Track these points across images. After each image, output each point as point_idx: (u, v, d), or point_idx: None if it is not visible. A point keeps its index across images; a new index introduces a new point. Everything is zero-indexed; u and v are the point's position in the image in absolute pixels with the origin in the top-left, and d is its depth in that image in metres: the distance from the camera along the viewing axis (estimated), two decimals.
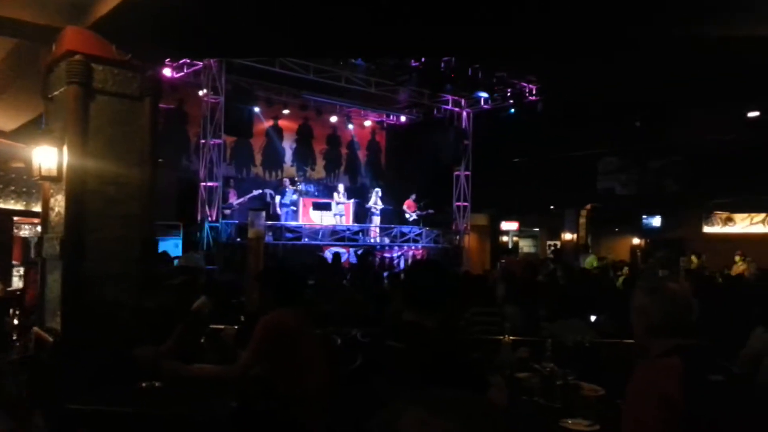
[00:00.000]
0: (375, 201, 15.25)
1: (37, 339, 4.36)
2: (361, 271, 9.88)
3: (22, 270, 8.45)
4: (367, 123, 17.39)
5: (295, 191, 13.98)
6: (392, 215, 15.81)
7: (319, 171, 16.82)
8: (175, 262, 8.08)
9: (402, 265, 14.53)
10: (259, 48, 7.02)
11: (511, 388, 2.99)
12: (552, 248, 20.39)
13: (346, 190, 15.59)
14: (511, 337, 3.71)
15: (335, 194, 15.03)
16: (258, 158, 15.45)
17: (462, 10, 3.89)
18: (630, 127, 15.98)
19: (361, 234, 14.74)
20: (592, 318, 5.54)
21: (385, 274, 9.97)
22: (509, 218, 20.91)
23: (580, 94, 13.78)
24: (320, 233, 13.66)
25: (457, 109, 16.32)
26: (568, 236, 20.00)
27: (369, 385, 2.27)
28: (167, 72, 11.95)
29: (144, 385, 3.03)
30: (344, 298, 6.17)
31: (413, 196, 15.74)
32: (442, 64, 12.82)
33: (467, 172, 16.41)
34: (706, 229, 18.24)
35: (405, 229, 15.26)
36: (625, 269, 11.17)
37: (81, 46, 4.31)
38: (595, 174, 18.39)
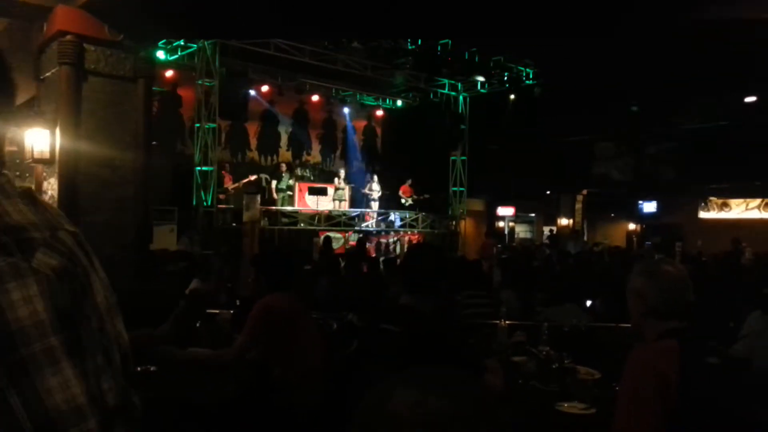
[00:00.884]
0: (371, 187, 15.22)
1: None
2: (357, 256, 9.87)
3: None
4: (363, 107, 17.29)
5: (290, 176, 13.92)
6: (389, 200, 15.79)
7: (315, 155, 16.74)
8: None
9: (398, 250, 14.54)
10: (253, 29, 6.94)
11: (507, 372, 2.99)
12: (548, 233, 20.44)
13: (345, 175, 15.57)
14: (507, 322, 3.72)
15: (336, 179, 14.97)
16: (253, 143, 15.35)
17: None
18: (626, 112, 15.96)
19: (357, 219, 14.72)
20: (588, 302, 5.57)
21: (381, 258, 9.97)
22: (505, 204, 20.93)
23: (577, 79, 13.70)
24: (316, 218, 13.63)
25: (453, 93, 16.23)
26: (564, 222, 20.05)
27: (364, 368, 2.27)
28: (161, 54, 11.81)
29: (139, 369, 3.02)
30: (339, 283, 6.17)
31: (409, 181, 15.70)
32: (439, 48, 12.71)
33: (463, 157, 16.36)
34: (702, 214, 18.31)
35: (401, 214, 15.24)
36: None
37: (72, 26, 4.24)
38: (592, 159, 18.39)
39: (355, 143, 17.43)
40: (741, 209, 17.74)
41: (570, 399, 2.73)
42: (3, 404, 0.78)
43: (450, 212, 16.44)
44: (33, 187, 4.59)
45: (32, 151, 4.23)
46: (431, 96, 16.55)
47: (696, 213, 18.34)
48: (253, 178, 12.94)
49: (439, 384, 0.69)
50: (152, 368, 3.05)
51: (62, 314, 0.85)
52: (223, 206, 12.26)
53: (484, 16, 4.83)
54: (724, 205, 17.99)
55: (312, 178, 16.10)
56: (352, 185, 15.36)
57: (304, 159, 16.41)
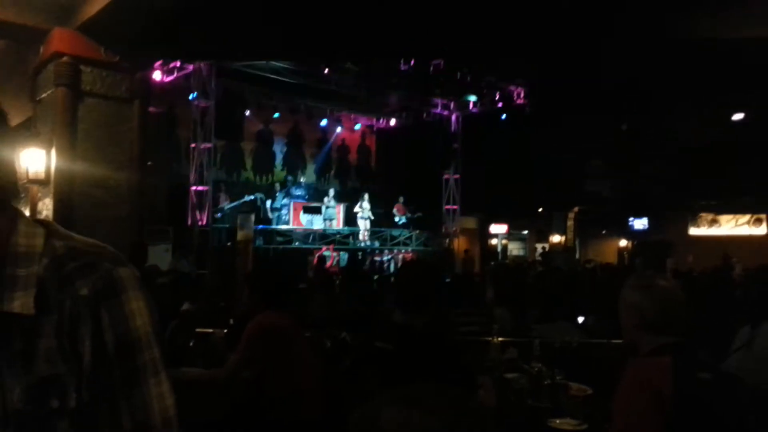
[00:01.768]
0: (361, 205, 15.26)
1: None
2: (351, 274, 9.87)
3: None
4: (357, 127, 17.41)
5: (285, 195, 13.97)
6: (382, 218, 15.83)
7: (310, 175, 16.80)
8: None
9: (392, 268, 14.55)
10: (248, 52, 7.04)
11: (499, 389, 3.01)
12: (541, 251, 20.49)
13: (337, 193, 15.60)
14: (499, 338, 3.74)
15: (325, 198, 15.01)
16: (248, 162, 15.41)
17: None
18: (617, 130, 16.14)
19: (351, 237, 14.74)
20: (580, 319, 5.59)
21: (375, 277, 9.98)
22: (498, 221, 21.01)
23: (568, 98, 13.89)
24: (311, 237, 13.64)
25: (446, 112, 16.37)
26: (556, 239, 20.12)
27: (358, 386, 2.28)
28: (157, 76, 11.90)
29: None
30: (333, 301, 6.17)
31: (402, 200, 15.77)
32: (431, 68, 12.87)
33: (456, 176, 16.46)
34: (692, 230, 18.44)
35: (395, 232, 15.28)
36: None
37: (69, 48, 4.30)
38: (583, 177, 18.53)
39: (349, 162, 17.51)
40: (731, 225, 17.89)
41: (562, 415, 2.74)
42: (112, 407, 0.83)
43: (443, 230, 16.50)
44: (29, 207, 4.61)
45: (27, 171, 4.26)
46: (424, 115, 16.70)
47: (686, 229, 18.47)
48: (247, 198, 13.00)
49: (427, 401, 0.70)
50: None
51: (156, 325, 0.90)
52: (218, 225, 12.28)
53: (475, 36, 4.94)
54: (714, 222, 18.14)
55: (306, 197, 16.15)
56: (345, 204, 15.41)
57: (298, 178, 16.47)
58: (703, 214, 18.22)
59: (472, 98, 15.23)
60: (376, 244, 15.05)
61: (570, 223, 19.89)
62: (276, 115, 15.30)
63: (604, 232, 20.63)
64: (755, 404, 2.94)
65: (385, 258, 14.96)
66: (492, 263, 14.79)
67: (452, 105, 16.21)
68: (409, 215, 15.68)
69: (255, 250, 11.07)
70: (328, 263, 13.30)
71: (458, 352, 2.28)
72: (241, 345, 3.07)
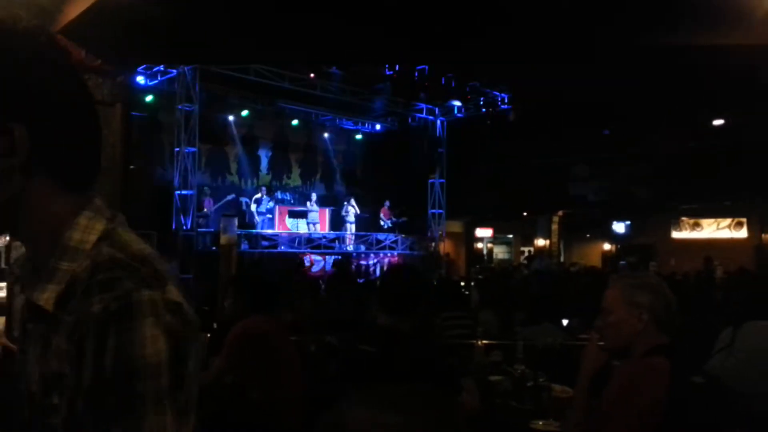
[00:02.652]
0: (346, 210, 15.29)
1: (4, 349, 4.25)
2: (337, 278, 9.87)
3: None
4: (342, 131, 17.42)
5: (270, 199, 13.94)
6: (368, 223, 15.85)
7: (295, 179, 16.77)
8: None
9: (378, 272, 14.57)
10: (232, 55, 7.02)
11: (483, 391, 3.03)
12: (526, 254, 20.63)
13: (320, 198, 15.63)
14: (483, 341, 3.76)
15: (308, 203, 15.05)
16: (233, 166, 15.35)
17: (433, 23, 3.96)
18: (599, 135, 16.33)
19: (337, 242, 14.74)
20: (564, 322, 5.63)
21: (361, 281, 9.98)
22: (483, 225, 21.12)
23: (552, 103, 14.03)
24: (296, 241, 13.61)
25: (431, 117, 16.46)
26: (541, 242, 20.27)
27: (343, 390, 2.28)
28: (141, 80, 11.82)
29: None
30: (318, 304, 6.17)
31: (388, 204, 15.81)
32: (416, 73, 12.93)
33: (442, 180, 16.53)
34: (675, 234, 18.67)
35: (381, 236, 15.31)
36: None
37: None
38: (567, 181, 18.71)
39: (334, 167, 17.52)
40: (712, 229, 18.14)
41: (545, 417, 2.76)
42: (88, 426, 0.79)
43: (429, 234, 16.56)
44: None
45: None
46: (409, 120, 16.77)
47: (669, 233, 18.70)
48: (230, 198, 12.96)
49: (396, 401, 0.71)
50: None
51: (178, 353, 0.83)
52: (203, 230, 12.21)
53: (460, 42, 4.97)
54: (696, 225, 18.38)
55: (292, 201, 16.12)
56: (331, 208, 15.42)
57: (284, 182, 16.43)
58: (686, 218, 18.46)
59: (457, 103, 15.33)
60: (362, 248, 15.06)
61: (554, 226, 20.05)
62: (260, 119, 15.28)
63: (588, 235, 20.82)
64: (741, 409, 2.99)
65: (370, 262, 14.96)
66: (477, 267, 14.85)
67: (437, 110, 16.29)
68: (394, 219, 15.71)
69: (240, 254, 11.02)
70: (318, 269, 13.30)
71: (442, 355, 2.28)
72: (225, 350, 3.05)
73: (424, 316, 2.35)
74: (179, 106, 12.05)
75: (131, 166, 4.65)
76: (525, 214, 20.29)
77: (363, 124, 17.40)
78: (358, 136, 17.69)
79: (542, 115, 14.93)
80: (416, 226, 16.41)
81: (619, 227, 19.66)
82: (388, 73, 13.01)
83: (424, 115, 16.32)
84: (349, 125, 17.23)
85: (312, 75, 13.27)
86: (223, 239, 8.77)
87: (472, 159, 16.78)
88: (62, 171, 0.87)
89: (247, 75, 12.45)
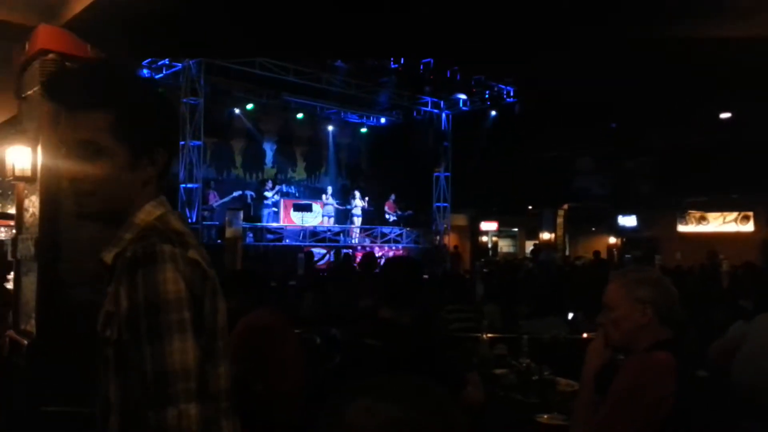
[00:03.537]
0: (355, 203, 15.31)
1: (12, 342, 4.29)
2: (343, 271, 9.88)
3: None
4: (348, 124, 17.40)
5: (275, 192, 13.96)
6: (373, 216, 15.85)
7: (300, 172, 16.78)
8: None
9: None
10: (237, 48, 7.01)
11: (488, 385, 3.03)
12: (532, 247, 20.61)
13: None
14: (488, 335, 3.76)
15: (323, 196, 15.11)
16: (238, 160, 15.36)
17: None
18: (606, 128, 16.24)
19: (342, 235, 14.75)
20: (570, 315, 5.63)
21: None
22: (488, 218, 21.08)
23: (557, 96, 13.95)
24: (301, 234, 13.63)
25: (436, 110, 16.41)
26: (546, 236, 20.22)
27: (347, 383, 2.28)
28: (146, 73, 11.83)
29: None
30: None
31: (393, 197, 15.80)
32: (421, 66, 12.89)
33: (447, 173, 16.50)
34: (681, 228, 18.58)
35: (386, 229, 15.31)
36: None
37: (55, 45, 4.25)
38: (572, 174, 18.63)
39: (339, 160, 17.52)
40: (718, 222, 18.04)
41: (550, 410, 2.76)
42: (138, 351, 1.04)
43: (434, 227, 16.56)
44: (15, 204, 4.57)
45: (14, 168, 4.22)
46: (414, 113, 16.73)
47: (674, 226, 18.61)
48: (236, 194, 12.98)
49: (394, 392, 0.71)
50: None
51: (195, 297, 1.09)
52: (208, 223, 12.25)
53: (461, 36, 4.95)
54: (702, 219, 18.28)
55: (297, 194, 16.12)
56: (337, 202, 15.44)
57: (289, 176, 16.43)
58: (692, 212, 18.36)
59: (462, 97, 15.28)
60: (367, 241, 15.07)
61: (560, 220, 19.98)
62: (265, 112, 15.28)
63: (593, 229, 20.75)
64: (740, 397, 2.98)
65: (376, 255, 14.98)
66: (482, 260, 14.83)
67: (442, 103, 16.24)
68: (400, 213, 15.71)
69: (245, 247, 11.05)
70: (324, 262, 13.32)
71: (446, 347, 2.28)
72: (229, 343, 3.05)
73: (426, 308, 2.34)
74: (184, 100, 12.05)
75: None
76: (530, 207, 20.24)
77: (368, 117, 17.36)
78: (363, 130, 17.66)
79: (548, 109, 14.86)
80: (421, 219, 16.40)
81: (624, 221, 19.58)
82: (393, 66, 12.98)
83: (429, 108, 16.28)
84: (354, 118, 17.20)
85: (316, 69, 13.24)
86: (229, 232, 8.79)
87: (477, 152, 16.73)
88: (162, 178, 1.24)
89: (252, 68, 12.44)
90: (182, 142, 12.18)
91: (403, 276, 2.32)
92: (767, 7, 4.20)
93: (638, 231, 19.17)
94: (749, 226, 17.51)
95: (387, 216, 15.70)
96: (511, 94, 14.69)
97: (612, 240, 20.25)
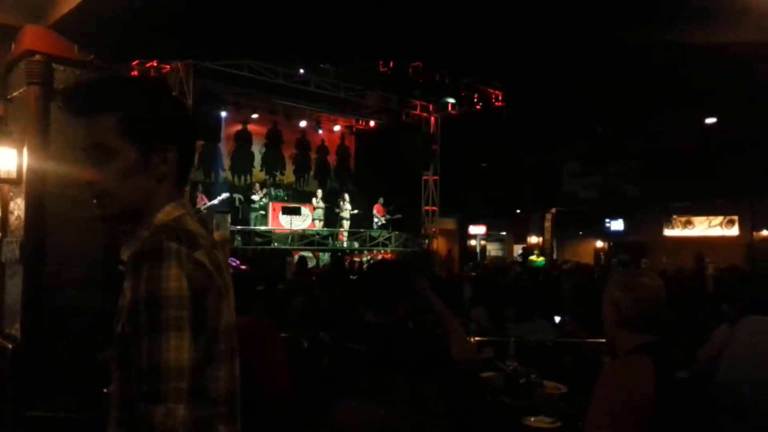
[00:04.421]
0: (343, 206, 15.30)
1: None
2: (332, 275, 9.86)
3: None
4: (336, 128, 17.39)
5: (264, 196, 13.91)
6: (362, 219, 15.84)
7: (289, 175, 16.74)
8: None
9: None
10: (226, 50, 6.99)
11: (476, 388, 3.03)
12: (521, 251, 20.70)
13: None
14: (476, 338, 3.77)
15: (313, 199, 15.07)
16: (227, 163, 15.30)
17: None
18: (592, 133, 16.38)
19: (330, 238, 14.73)
20: (557, 319, 5.66)
21: (354, 277, 9.97)
22: (477, 222, 21.15)
23: (545, 100, 14.06)
24: (290, 238, 13.59)
25: (425, 114, 16.44)
26: (534, 239, 20.33)
27: (334, 387, 2.27)
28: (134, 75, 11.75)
29: (107, 390, 2.98)
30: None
31: (381, 201, 15.80)
32: (410, 70, 12.92)
33: (435, 177, 16.54)
34: (667, 232, 18.76)
35: (374, 233, 15.30)
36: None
37: (41, 46, 4.22)
38: (560, 179, 18.76)
39: (328, 163, 17.50)
40: (704, 227, 18.24)
41: (537, 413, 2.78)
42: (136, 344, 1.06)
43: (422, 231, 16.58)
44: (0, 207, 4.52)
45: None
46: (403, 117, 16.75)
47: (661, 230, 18.79)
48: (224, 195, 12.90)
49: (381, 391, 0.71)
50: None
51: (197, 297, 1.10)
52: None
53: (451, 40, 4.98)
54: (688, 223, 18.48)
55: (286, 198, 16.08)
56: (327, 205, 15.42)
57: (277, 179, 16.39)
58: (678, 216, 18.55)
59: (451, 100, 15.33)
60: (356, 245, 15.05)
61: (547, 224, 20.10)
62: (254, 115, 15.23)
63: (581, 233, 20.89)
64: (725, 401, 3.01)
65: (364, 259, 14.96)
66: (470, 264, 14.87)
67: (431, 107, 16.29)
68: (388, 216, 15.71)
69: (233, 250, 10.99)
70: (312, 265, 13.27)
71: (428, 349, 2.28)
72: None
73: (410, 311, 2.33)
74: None
75: None
76: (518, 211, 20.34)
77: (357, 120, 17.37)
78: (352, 133, 17.65)
79: (535, 113, 14.96)
80: (410, 223, 16.41)
81: (611, 225, 19.74)
82: (382, 69, 13.00)
83: (418, 111, 16.31)
84: (342, 122, 17.20)
85: (302, 71, 13.22)
86: (217, 235, 8.73)
87: (465, 156, 16.79)
88: (179, 177, 1.28)
89: (241, 71, 12.39)
90: None
91: (386, 279, 2.32)
92: (750, 15, 4.27)
93: (625, 235, 19.33)
94: (734, 230, 17.73)
95: (375, 219, 15.70)
96: (500, 98, 14.76)
97: (599, 244, 20.40)
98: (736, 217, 17.62)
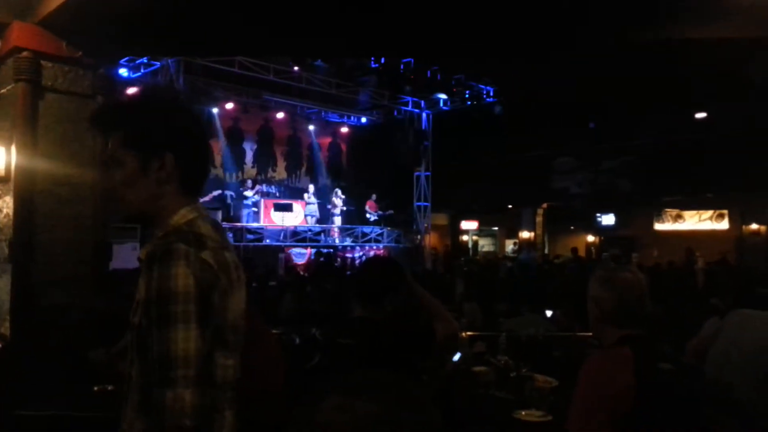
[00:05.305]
0: (335, 202, 15.28)
1: None
2: (323, 271, 9.87)
3: None
4: (328, 124, 17.35)
5: (256, 192, 13.87)
6: (354, 215, 15.84)
7: (281, 172, 16.69)
8: None
9: None
10: (215, 47, 6.95)
11: (467, 382, 3.05)
12: (513, 246, 20.78)
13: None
14: (467, 333, 3.79)
15: (305, 195, 15.03)
16: (218, 159, 15.23)
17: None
18: (584, 128, 16.44)
19: (322, 234, 14.72)
20: (548, 313, 5.69)
21: (348, 273, 9.99)
22: (469, 218, 21.19)
23: (536, 96, 14.09)
24: (282, 234, 13.56)
25: (416, 110, 16.45)
26: (525, 234, 20.40)
27: (325, 383, 2.27)
28: (124, 72, 11.68)
29: (96, 388, 2.97)
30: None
31: (374, 197, 15.80)
32: (401, 66, 12.91)
33: (427, 173, 16.56)
34: (657, 226, 18.88)
35: (366, 229, 15.31)
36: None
37: (29, 43, 4.19)
38: (551, 174, 18.82)
39: (320, 160, 17.46)
40: (694, 221, 18.37)
41: (527, 407, 2.79)
42: (148, 335, 1.19)
43: (414, 227, 16.61)
44: None
45: None
46: (395, 113, 16.75)
47: (652, 225, 18.91)
48: (215, 193, 12.86)
49: (367, 388, 0.71)
50: (110, 387, 3.00)
51: (203, 293, 1.21)
52: None
53: (443, 36, 4.97)
54: (678, 217, 18.60)
55: (277, 194, 16.04)
56: (319, 201, 15.39)
57: (269, 175, 16.34)
58: (668, 210, 18.67)
59: (443, 96, 15.34)
60: (348, 241, 15.05)
61: (539, 219, 20.18)
62: (245, 112, 15.18)
63: (572, 227, 20.98)
64: (713, 393, 3.04)
65: (356, 255, 14.97)
66: (462, 259, 14.91)
67: (423, 103, 16.29)
68: (380, 212, 15.72)
69: None
70: (303, 261, 13.27)
71: (417, 344, 2.28)
72: None
73: (400, 306, 2.34)
74: None
75: None
76: (510, 206, 20.40)
77: (348, 116, 17.33)
78: (344, 129, 17.63)
79: (527, 109, 15.00)
80: (402, 218, 16.43)
81: (602, 219, 19.84)
82: (373, 65, 12.98)
83: (409, 107, 16.30)
84: (334, 118, 17.16)
85: (296, 68, 13.18)
86: None
87: (457, 152, 16.82)
88: (185, 181, 1.38)
89: (232, 67, 12.34)
90: None
91: (376, 275, 2.33)
92: (742, 10, 4.29)
93: (616, 229, 19.43)
94: (724, 224, 17.86)
95: (368, 215, 15.69)
96: (491, 93, 14.78)
97: (590, 238, 20.50)
98: (726, 212, 17.75)
